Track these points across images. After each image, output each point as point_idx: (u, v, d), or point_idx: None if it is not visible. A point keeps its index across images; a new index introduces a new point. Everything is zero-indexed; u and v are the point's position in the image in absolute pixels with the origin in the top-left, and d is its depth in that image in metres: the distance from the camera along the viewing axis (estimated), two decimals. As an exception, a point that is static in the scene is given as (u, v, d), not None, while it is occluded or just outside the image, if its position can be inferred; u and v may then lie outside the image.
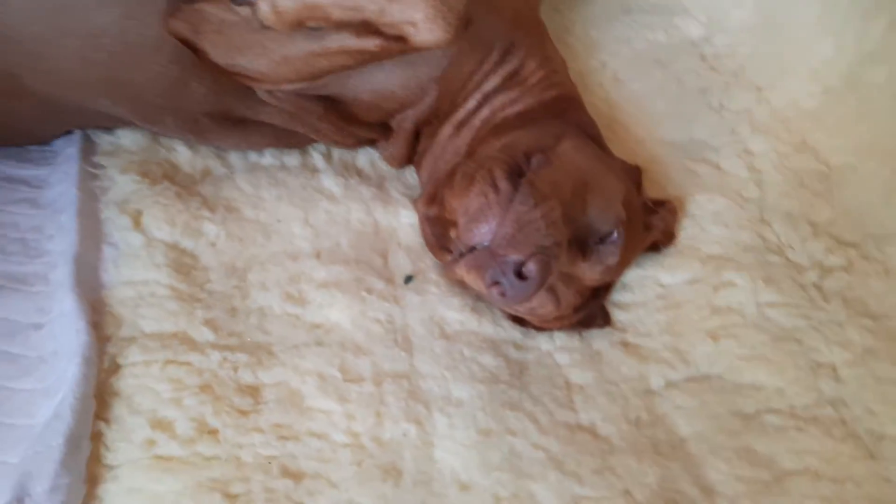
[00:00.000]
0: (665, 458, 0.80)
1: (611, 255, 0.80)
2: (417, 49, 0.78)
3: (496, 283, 0.70)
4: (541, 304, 0.81)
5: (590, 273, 0.80)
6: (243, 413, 0.76)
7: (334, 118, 0.95)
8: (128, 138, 0.97)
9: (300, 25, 0.77)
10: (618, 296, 0.94)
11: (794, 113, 1.08)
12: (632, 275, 0.95)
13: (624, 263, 0.85)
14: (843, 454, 0.81)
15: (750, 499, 0.78)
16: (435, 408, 0.80)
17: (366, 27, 0.78)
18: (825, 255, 0.96)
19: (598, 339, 0.89)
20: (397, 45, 0.77)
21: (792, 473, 0.80)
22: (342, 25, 0.77)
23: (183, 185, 0.92)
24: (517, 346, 0.87)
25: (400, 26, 0.75)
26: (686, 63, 1.18)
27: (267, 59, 0.84)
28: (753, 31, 1.17)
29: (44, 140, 1.00)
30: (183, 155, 0.96)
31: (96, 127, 0.99)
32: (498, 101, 0.92)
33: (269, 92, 0.92)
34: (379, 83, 0.91)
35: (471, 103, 0.93)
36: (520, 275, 0.70)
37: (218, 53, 0.85)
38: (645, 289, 0.94)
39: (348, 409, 0.78)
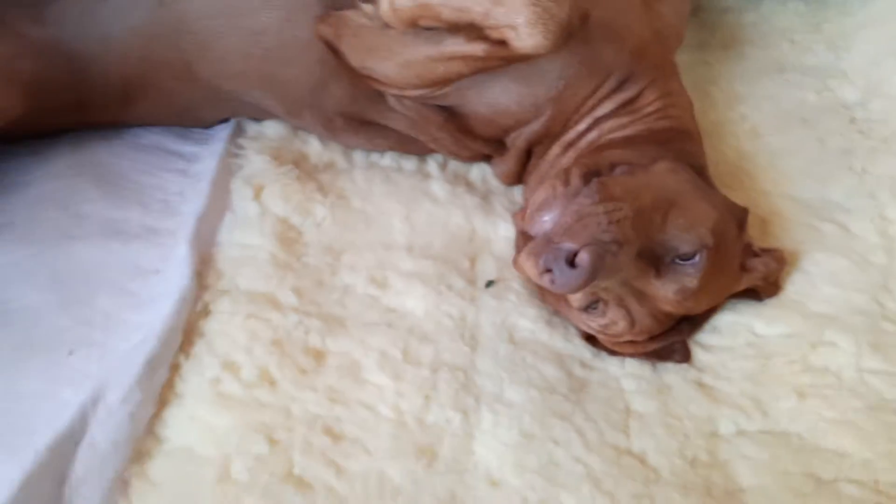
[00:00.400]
0: (715, 500, 0.75)
1: (688, 277, 0.77)
2: (519, 55, 0.81)
3: (548, 269, 0.70)
4: (613, 321, 0.80)
5: (663, 292, 0.78)
6: (303, 371, 0.81)
7: (452, 129, 1.01)
8: (271, 128, 1.08)
9: (415, 24, 0.84)
10: (704, 337, 0.90)
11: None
12: (724, 319, 0.90)
13: (708, 295, 0.82)
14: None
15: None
16: (484, 403, 0.81)
17: (476, 32, 0.83)
18: (951, 331, 0.86)
19: (672, 373, 0.86)
20: (502, 49, 0.81)
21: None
22: (453, 27, 0.83)
23: (305, 171, 1.01)
24: (583, 365, 0.86)
25: (503, 30, 0.80)
26: (832, 124, 1.12)
27: (392, 63, 0.91)
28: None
29: (205, 124, 1.13)
30: (314, 147, 1.06)
31: (249, 117, 1.11)
32: (608, 125, 0.93)
33: (397, 98, 1.00)
34: (495, 98, 0.95)
35: (581, 126, 0.94)
36: (573, 264, 0.69)
37: (353, 56, 0.94)
38: (735, 335, 0.89)
39: (400, 388, 0.81)
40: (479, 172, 1.07)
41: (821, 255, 0.95)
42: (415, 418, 0.79)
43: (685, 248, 0.77)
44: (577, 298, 0.81)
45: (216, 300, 0.87)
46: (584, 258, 0.68)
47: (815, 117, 1.14)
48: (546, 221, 0.73)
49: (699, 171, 0.89)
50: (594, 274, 0.69)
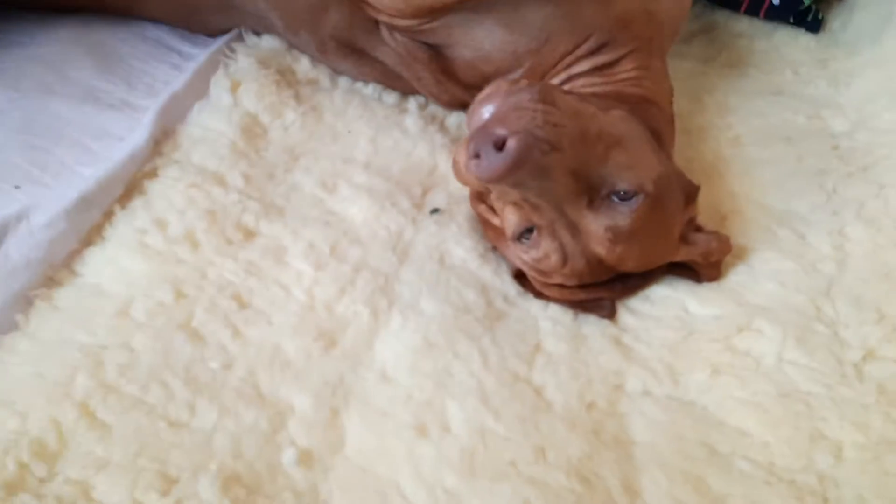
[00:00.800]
0: (602, 443, 0.74)
1: (621, 216, 0.76)
2: None
3: (477, 155, 0.70)
4: (545, 254, 0.80)
5: (595, 227, 0.77)
6: (229, 242, 0.82)
7: (436, 69, 1.03)
8: (268, 41, 1.11)
9: None
10: (634, 302, 0.89)
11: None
12: (658, 291, 0.90)
13: (640, 248, 0.81)
14: (806, 524, 0.70)
15: (676, 520, 0.69)
16: (397, 308, 0.81)
17: None
18: (880, 342, 0.85)
19: (592, 325, 0.85)
20: None
21: (737, 521, 0.70)
22: None
23: (287, 80, 1.03)
24: (506, 299, 0.86)
25: None
26: (815, 146, 1.12)
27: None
28: (897, 133, 1.09)
29: (211, 31, 1.17)
30: (302, 65, 1.09)
31: (252, 29, 1.14)
32: (580, 82, 0.94)
33: (389, 32, 1.02)
34: (479, 41, 0.97)
35: (556, 80, 0.96)
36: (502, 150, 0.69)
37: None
38: (666, 306, 0.88)
39: (318, 276, 0.81)
40: (456, 120, 1.08)
41: (770, 255, 0.94)
42: (324, 305, 0.79)
43: (622, 184, 0.76)
44: (511, 222, 0.81)
45: (166, 166, 0.88)
46: (511, 144, 0.68)
47: (799, 138, 1.14)
48: (484, 112, 0.73)
49: (657, 137, 0.89)
50: (520, 160, 0.68)
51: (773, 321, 0.86)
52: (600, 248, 0.79)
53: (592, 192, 0.77)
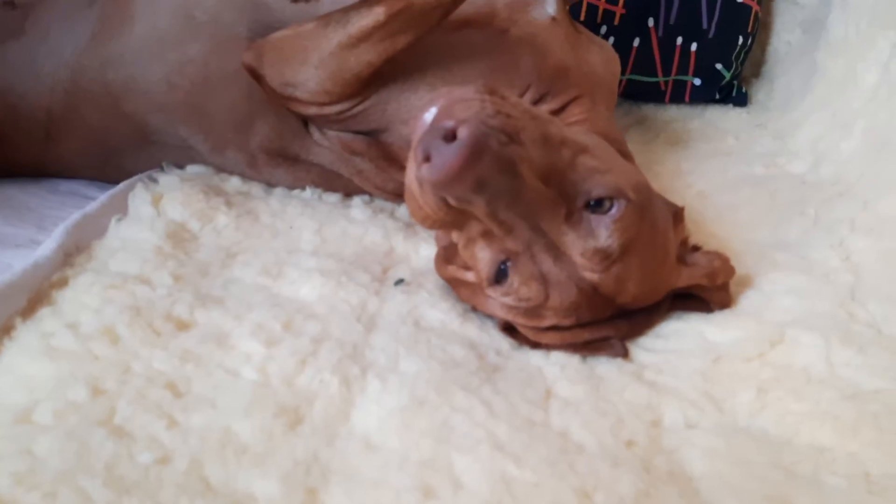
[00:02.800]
0: (657, 479, 0.58)
1: (605, 230, 0.66)
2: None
3: (427, 158, 0.60)
4: (525, 284, 0.68)
5: (579, 247, 0.66)
6: (157, 334, 0.68)
7: (375, 155, 0.96)
8: (193, 168, 1.02)
9: None
10: (645, 341, 0.76)
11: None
12: (668, 327, 0.78)
13: (637, 272, 0.70)
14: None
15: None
16: (372, 373, 0.66)
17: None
18: (935, 330, 0.73)
19: (605, 365, 0.72)
20: (398, 2, 0.79)
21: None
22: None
23: (215, 191, 0.94)
24: (499, 353, 0.72)
25: None
26: (782, 184, 1.07)
27: (308, 67, 0.88)
28: (862, 156, 1.05)
29: (128, 176, 1.08)
30: (233, 183, 1.00)
31: (173, 162, 1.06)
32: (531, 129, 0.88)
33: (321, 132, 0.97)
34: (416, 113, 0.91)
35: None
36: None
37: (273, 74, 0.91)
38: (682, 339, 0.76)
39: (271, 352, 0.67)
40: (406, 211, 0.99)
41: (776, 275, 0.85)
42: (282, 380, 0.64)
43: (598, 189, 0.67)
44: (484, 260, 0.70)
45: (78, 275, 0.75)
46: (463, 131, 0.59)
47: (764, 182, 1.09)
48: (427, 116, 0.64)
49: (624, 157, 0.82)
50: (476, 148, 0.58)
51: (809, 329, 0.74)
52: (592, 274, 0.68)
53: (569, 203, 0.67)
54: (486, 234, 0.68)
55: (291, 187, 1.02)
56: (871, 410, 0.65)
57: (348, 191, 1.02)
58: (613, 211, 0.67)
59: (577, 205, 0.67)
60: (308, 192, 0.99)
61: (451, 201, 0.63)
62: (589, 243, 0.66)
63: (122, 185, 0.95)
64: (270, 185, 1.02)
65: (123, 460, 0.55)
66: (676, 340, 0.76)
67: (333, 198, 0.99)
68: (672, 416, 0.66)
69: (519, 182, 0.62)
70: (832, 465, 0.61)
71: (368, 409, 0.62)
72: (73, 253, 0.78)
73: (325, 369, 0.65)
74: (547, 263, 0.67)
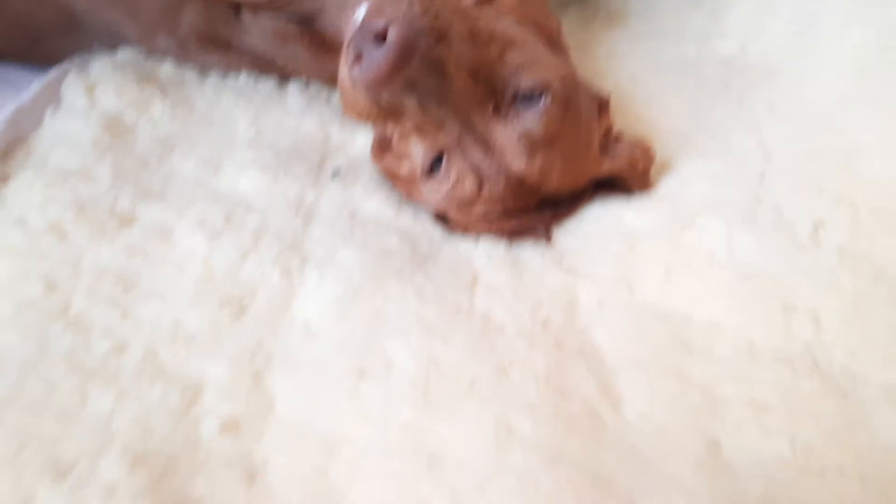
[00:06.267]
0: (567, 355, 0.65)
1: (532, 120, 0.70)
2: None
3: (358, 56, 0.63)
4: (459, 178, 0.72)
5: (508, 138, 0.70)
6: (103, 229, 0.71)
7: (309, 42, 0.96)
8: (124, 53, 1.01)
9: None
10: (569, 225, 0.82)
11: (821, 101, 0.97)
12: (590, 212, 0.83)
13: (561, 160, 0.74)
14: (805, 390, 0.63)
15: (667, 414, 0.61)
16: (311, 265, 0.71)
17: None
18: (828, 211, 0.80)
19: (529, 251, 0.77)
20: None
21: (732, 401, 0.62)
22: None
23: (149, 79, 0.94)
24: (431, 241, 0.77)
25: None
26: (711, 69, 1.11)
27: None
28: (789, 37, 1.09)
29: (57, 60, 1.06)
30: (166, 68, 0.99)
31: (102, 45, 1.04)
32: (464, 18, 0.89)
33: (252, 15, 0.95)
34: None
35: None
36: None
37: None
38: (602, 223, 0.82)
39: (213, 246, 0.71)
40: (343, 96, 1.00)
41: (695, 160, 0.90)
42: (225, 272, 0.68)
43: (525, 82, 0.70)
44: (418, 154, 0.73)
45: (18, 172, 0.76)
46: (392, 32, 0.61)
47: (694, 65, 1.13)
48: (358, 15, 0.66)
49: (554, 49, 0.84)
50: (405, 49, 0.61)
51: (715, 215, 0.81)
52: (518, 162, 0.72)
53: (497, 98, 0.70)
54: (420, 129, 0.72)
55: (226, 72, 1.01)
56: (762, 289, 0.73)
57: (284, 76, 1.02)
58: (539, 103, 0.71)
59: (506, 99, 0.70)
60: (243, 79, 0.99)
61: (382, 101, 0.65)
62: (517, 133, 0.70)
63: (53, 73, 0.93)
64: (204, 68, 1.01)
65: (81, 351, 0.59)
66: (597, 224, 0.82)
67: (268, 85, 0.99)
68: (587, 298, 0.73)
69: (448, 81, 0.65)
70: (723, 338, 0.69)
71: (308, 299, 0.67)
72: (9, 150, 0.79)
73: (266, 261, 0.69)
74: (478, 155, 0.72)
